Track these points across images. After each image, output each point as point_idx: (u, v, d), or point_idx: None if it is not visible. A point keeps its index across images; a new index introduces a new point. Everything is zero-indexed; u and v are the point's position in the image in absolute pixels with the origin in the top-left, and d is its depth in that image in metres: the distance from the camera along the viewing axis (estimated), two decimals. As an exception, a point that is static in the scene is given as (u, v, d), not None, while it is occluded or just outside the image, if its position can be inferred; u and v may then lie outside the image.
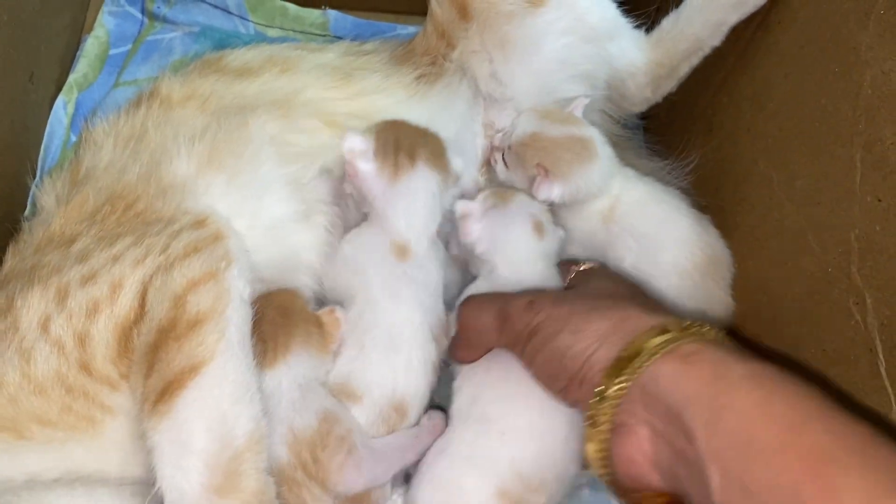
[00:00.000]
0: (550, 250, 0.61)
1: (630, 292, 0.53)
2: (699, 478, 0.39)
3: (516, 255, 0.59)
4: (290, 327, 0.54)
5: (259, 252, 0.55)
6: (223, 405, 0.45)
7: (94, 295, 0.47)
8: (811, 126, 0.55)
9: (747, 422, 0.38)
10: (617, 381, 0.43)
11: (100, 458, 0.47)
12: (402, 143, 0.59)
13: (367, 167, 0.59)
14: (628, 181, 0.65)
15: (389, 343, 0.55)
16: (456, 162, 0.62)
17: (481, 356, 0.54)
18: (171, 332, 0.46)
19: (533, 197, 0.63)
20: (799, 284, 0.56)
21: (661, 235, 0.62)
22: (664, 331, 0.44)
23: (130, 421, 0.47)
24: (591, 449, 0.45)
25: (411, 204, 0.59)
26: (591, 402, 0.44)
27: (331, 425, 0.51)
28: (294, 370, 0.53)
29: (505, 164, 0.66)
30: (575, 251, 0.64)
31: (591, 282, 0.55)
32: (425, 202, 0.59)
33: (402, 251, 0.58)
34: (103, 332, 0.47)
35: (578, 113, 0.66)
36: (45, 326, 0.47)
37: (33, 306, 0.47)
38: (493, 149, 0.68)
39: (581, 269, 0.58)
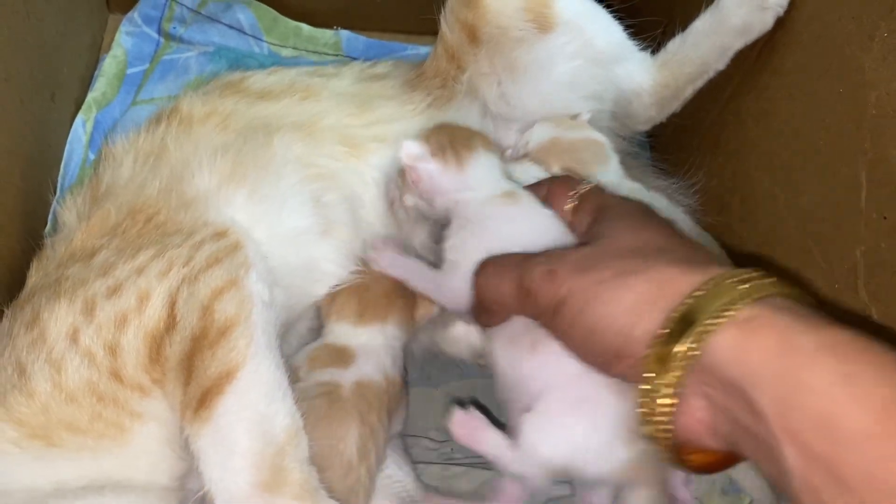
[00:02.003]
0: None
1: (659, 237, 0.46)
2: (770, 454, 0.35)
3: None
4: (390, 306, 0.61)
5: (277, 259, 0.56)
6: (260, 405, 0.47)
7: (121, 306, 0.49)
8: (816, 145, 0.56)
9: (829, 402, 0.33)
10: (668, 367, 0.39)
11: (128, 465, 0.48)
12: (456, 138, 0.60)
13: (431, 167, 0.59)
14: (636, 195, 0.67)
15: None
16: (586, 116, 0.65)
17: (504, 321, 0.51)
18: (203, 341, 0.48)
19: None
20: (806, 300, 0.57)
21: None
22: (713, 293, 0.38)
23: (159, 427, 0.49)
24: (647, 430, 0.41)
25: (488, 173, 0.59)
26: (641, 388, 0.40)
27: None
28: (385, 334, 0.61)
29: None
30: None
31: (611, 230, 0.47)
32: (500, 171, 0.60)
33: (509, 195, 0.57)
34: (133, 342, 0.48)
35: (585, 117, 0.68)
36: (74, 338, 0.48)
37: (60, 318, 0.49)
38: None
39: (583, 192, 0.53)
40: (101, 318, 0.48)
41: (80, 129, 0.77)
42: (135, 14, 0.86)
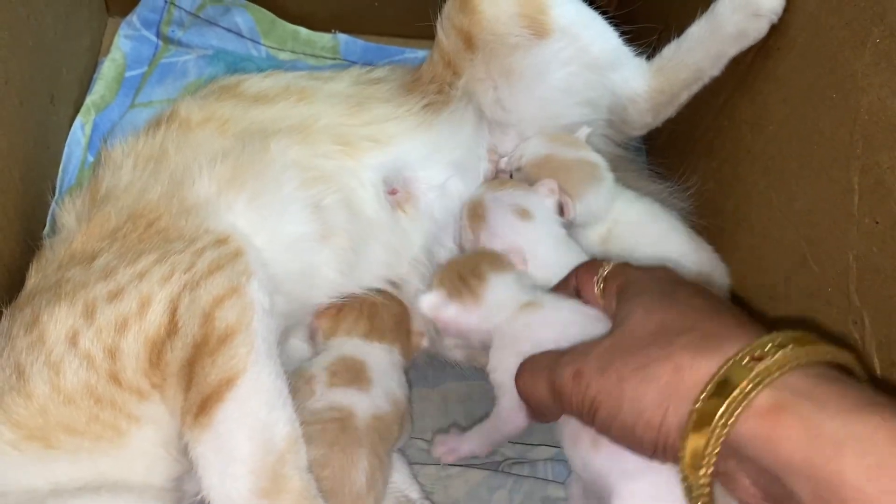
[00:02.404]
0: (555, 231, 0.63)
1: (676, 315, 0.44)
2: None
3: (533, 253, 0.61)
4: (397, 332, 0.64)
5: (278, 266, 0.57)
6: (261, 413, 0.48)
7: (122, 311, 0.49)
8: (809, 149, 0.57)
9: (868, 499, 0.33)
10: (699, 464, 0.39)
11: (124, 467, 0.48)
12: (464, 272, 0.60)
13: (451, 311, 0.59)
14: (626, 203, 0.68)
15: None
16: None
17: (558, 417, 0.50)
18: (204, 348, 0.48)
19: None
20: (798, 303, 0.57)
21: (656, 254, 0.64)
22: (727, 383, 0.38)
23: (156, 430, 0.49)
24: None
25: (504, 294, 0.59)
26: (681, 486, 0.40)
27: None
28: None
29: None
30: None
31: (631, 313, 0.46)
32: (517, 286, 0.59)
33: (531, 305, 0.57)
34: (133, 346, 0.48)
35: (583, 140, 0.68)
36: (73, 340, 0.48)
37: (60, 321, 0.49)
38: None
39: (605, 274, 0.52)
40: (101, 321, 0.49)
41: (79, 131, 0.77)
42: (133, 17, 0.87)
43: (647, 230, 0.66)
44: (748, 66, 0.65)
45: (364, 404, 0.58)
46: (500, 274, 0.60)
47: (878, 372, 0.49)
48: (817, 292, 0.55)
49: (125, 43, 0.86)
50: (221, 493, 0.46)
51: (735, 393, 0.37)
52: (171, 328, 0.49)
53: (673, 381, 0.40)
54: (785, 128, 0.60)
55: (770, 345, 0.39)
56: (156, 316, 0.49)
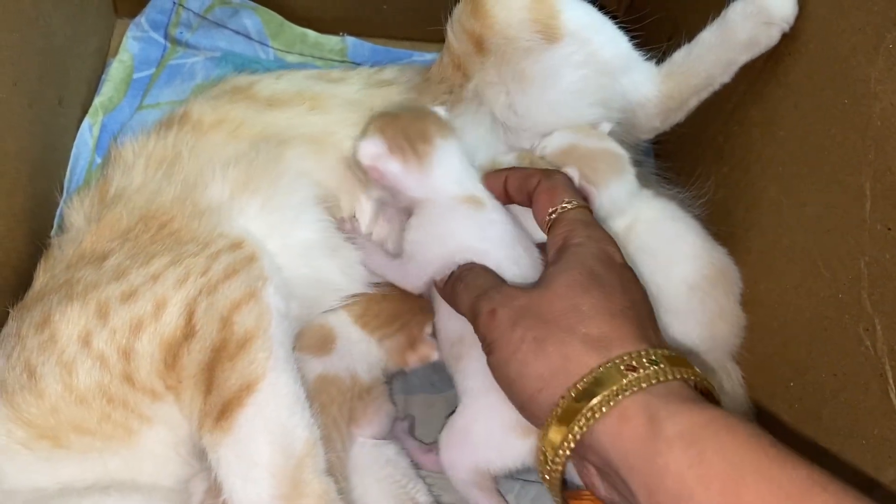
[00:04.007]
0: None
1: (592, 302, 0.47)
2: None
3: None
4: (387, 329, 0.64)
5: (290, 271, 0.57)
6: (280, 418, 0.48)
7: (137, 312, 0.49)
8: (821, 155, 0.56)
9: (684, 485, 0.38)
10: (560, 445, 0.43)
11: (134, 467, 0.49)
12: (409, 131, 0.60)
13: (392, 167, 0.59)
14: (646, 201, 0.68)
15: None
16: (442, 112, 0.64)
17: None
18: (223, 352, 0.48)
19: None
20: (809, 309, 0.57)
21: (672, 251, 0.64)
22: (604, 379, 0.42)
23: (167, 431, 0.49)
24: (541, 477, 0.46)
25: (452, 173, 0.59)
26: (539, 450, 0.45)
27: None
28: None
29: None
30: None
31: (557, 278, 0.49)
32: (462, 164, 0.60)
33: (473, 200, 0.58)
34: (148, 347, 0.48)
35: (605, 128, 0.68)
36: (86, 341, 0.48)
37: (72, 321, 0.49)
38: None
39: (556, 216, 0.54)
40: (115, 322, 0.49)
41: (87, 133, 0.77)
42: (142, 19, 0.87)
43: (665, 227, 0.66)
44: (759, 71, 0.65)
45: (313, 366, 0.58)
46: (448, 142, 0.60)
47: (890, 380, 0.49)
48: (828, 298, 0.54)
49: (133, 44, 0.86)
50: (243, 498, 0.47)
51: (599, 399, 0.42)
52: (188, 331, 0.49)
53: (559, 365, 0.44)
54: (796, 133, 0.60)
55: (644, 359, 0.43)
56: (171, 318, 0.49)
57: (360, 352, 0.63)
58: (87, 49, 0.81)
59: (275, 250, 0.57)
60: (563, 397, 0.43)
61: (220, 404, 0.48)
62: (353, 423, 0.60)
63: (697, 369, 0.45)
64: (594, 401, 0.42)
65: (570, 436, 0.42)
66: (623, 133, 0.73)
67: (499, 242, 0.57)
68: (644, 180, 0.73)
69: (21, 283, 0.59)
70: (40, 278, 0.56)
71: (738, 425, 0.39)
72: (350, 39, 0.89)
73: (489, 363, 0.49)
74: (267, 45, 0.88)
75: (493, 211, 0.58)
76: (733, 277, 0.65)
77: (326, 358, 0.60)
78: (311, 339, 0.60)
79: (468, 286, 0.53)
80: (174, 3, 0.88)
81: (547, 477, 0.45)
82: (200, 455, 0.51)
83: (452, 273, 0.55)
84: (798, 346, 0.58)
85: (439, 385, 0.70)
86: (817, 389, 0.55)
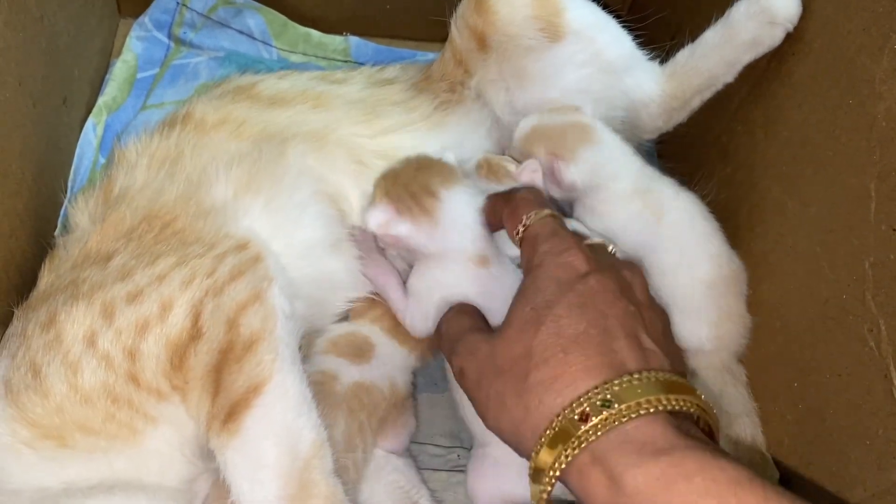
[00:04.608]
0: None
1: (545, 340, 0.45)
2: None
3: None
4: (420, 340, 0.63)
5: (295, 271, 0.57)
6: (287, 419, 0.48)
7: (143, 313, 0.49)
8: (825, 155, 0.56)
9: None
10: (535, 496, 0.43)
11: (138, 467, 0.49)
12: (412, 187, 0.59)
13: (402, 229, 0.59)
14: (671, 190, 0.67)
15: None
16: (450, 157, 0.63)
17: None
18: (230, 354, 0.49)
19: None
20: (813, 310, 0.57)
21: (700, 250, 0.64)
22: (559, 435, 0.42)
23: (172, 431, 0.50)
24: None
25: (461, 226, 0.59)
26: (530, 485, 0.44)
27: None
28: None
29: None
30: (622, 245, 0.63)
31: (511, 323, 0.48)
32: (471, 216, 0.59)
33: (482, 260, 0.58)
34: (154, 348, 0.49)
35: (587, 111, 0.67)
36: (91, 341, 0.48)
37: (78, 321, 0.49)
38: None
39: (528, 223, 0.52)
40: (120, 322, 0.49)
41: (91, 132, 0.77)
42: (145, 19, 0.87)
43: (698, 225, 0.65)
44: (762, 70, 0.65)
45: (351, 372, 0.58)
46: (454, 191, 0.59)
47: (894, 380, 0.49)
48: (832, 299, 0.54)
49: (137, 44, 0.86)
50: (251, 499, 0.47)
51: (555, 455, 0.41)
52: (195, 333, 0.49)
53: (522, 418, 0.43)
54: (799, 133, 0.60)
55: (596, 402, 0.41)
56: (178, 319, 0.49)
57: (399, 361, 0.63)
58: (91, 49, 0.81)
59: (279, 250, 0.57)
60: (533, 452, 0.43)
61: (227, 406, 0.48)
62: (381, 434, 0.60)
63: (676, 391, 0.42)
64: (552, 457, 0.41)
65: (541, 490, 0.42)
66: (626, 133, 0.73)
67: (501, 297, 0.54)
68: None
69: (26, 283, 0.59)
70: (45, 278, 0.56)
71: (697, 472, 0.38)
72: (353, 39, 0.89)
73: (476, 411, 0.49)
74: (270, 45, 0.88)
75: (497, 265, 0.58)
76: (744, 279, 0.65)
77: (365, 366, 0.60)
78: (347, 347, 0.61)
79: (443, 337, 0.54)
80: (178, 2, 0.88)
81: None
82: (205, 455, 0.51)
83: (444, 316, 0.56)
84: (802, 347, 0.58)
85: (442, 385, 0.70)
86: (821, 390, 0.55)
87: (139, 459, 0.49)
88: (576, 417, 0.41)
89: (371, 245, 0.62)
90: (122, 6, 0.88)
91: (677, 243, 0.63)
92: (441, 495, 0.63)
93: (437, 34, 0.71)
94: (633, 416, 0.41)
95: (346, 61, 0.89)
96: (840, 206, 0.54)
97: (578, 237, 0.52)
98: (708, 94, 0.68)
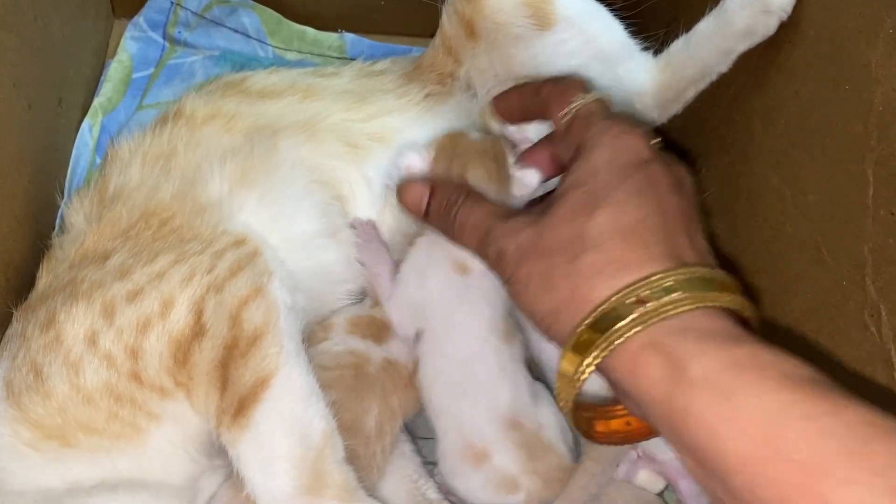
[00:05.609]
0: None
1: (601, 223, 0.43)
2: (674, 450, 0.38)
3: None
4: None
5: (294, 264, 0.57)
6: (297, 410, 0.49)
7: (144, 311, 0.49)
8: (822, 142, 0.56)
9: (711, 434, 0.35)
10: (570, 377, 0.41)
11: (142, 465, 0.49)
12: (456, 159, 0.59)
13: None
14: None
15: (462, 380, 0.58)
16: (520, 172, 0.61)
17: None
18: (234, 350, 0.49)
19: None
20: (813, 297, 0.57)
21: None
22: (609, 316, 0.40)
23: (175, 428, 0.50)
24: (561, 404, 0.45)
25: None
26: (558, 374, 0.43)
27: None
28: None
29: None
30: None
31: (563, 202, 0.45)
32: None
33: (462, 268, 0.59)
34: (157, 346, 0.49)
35: None
36: (92, 340, 0.49)
37: (78, 321, 0.49)
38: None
39: (578, 108, 0.50)
40: (121, 321, 0.49)
41: (87, 133, 0.77)
42: (140, 19, 0.87)
43: None
44: (758, 58, 0.64)
45: (378, 351, 0.59)
46: (483, 185, 0.58)
47: (896, 365, 0.49)
48: (832, 286, 0.54)
49: (132, 45, 0.86)
50: (265, 492, 0.47)
51: (610, 333, 0.39)
52: (198, 329, 0.49)
53: (568, 298, 0.42)
54: (797, 120, 0.60)
55: (659, 287, 0.39)
56: (180, 316, 0.49)
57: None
58: (86, 50, 0.81)
59: (276, 243, 0.57)
60: (576, 328, 0.41)
61: (236, 401, 0.48)
62: (406, 415, 0.61)
63: (733, 293, 0.41)
64: (601, 338, 0.39)
65: (582, 368, 0.40)
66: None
67: (468, 308, 0.58)
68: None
69: (24, 285, 0.59)
70: (43, 279, 0.56)
71: (773, 363, 0.36)
72: (349, 36, 0.89)
73: (508, 290, 0.48)
74: (265, 43, 0.88)
75: (479, 276, 0.59)
76: None
77: (386, 346, 0.61)
78: (369, 328, 0.61)
79: (465, 229, 0.51)
80: (172, 2, 0.88)
81: (561, 405, 0.44)
82: (209, 452, 0.51)
83: (448, 200, 0.53)
84: (803, 334, 0.58)
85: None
86: (823, 377, 0.55)
87: (143, 458, 0.49)
88: (634, 300, 0.39)
89: (371, 233, 0.62)
90: (117, 7, 0.88)
91: None
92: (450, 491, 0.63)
93: (433, 29, 0.71)
94: (699, 305, 0.39)
95: (341, 58, 0.88)
96: (838, 192, 0.54)
97: (637, 121, 0.50)
98: (702, 85, 0.68)
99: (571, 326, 0.41)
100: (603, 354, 0.39)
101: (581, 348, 0.40)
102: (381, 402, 0.57)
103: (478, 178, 0.59)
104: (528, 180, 0.60)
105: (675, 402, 0.36)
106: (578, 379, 0.41)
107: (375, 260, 0.62)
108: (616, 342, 0.39)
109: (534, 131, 0.65)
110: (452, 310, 0.59)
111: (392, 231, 0.64)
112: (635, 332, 0.39)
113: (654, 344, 0.38)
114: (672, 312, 0.39)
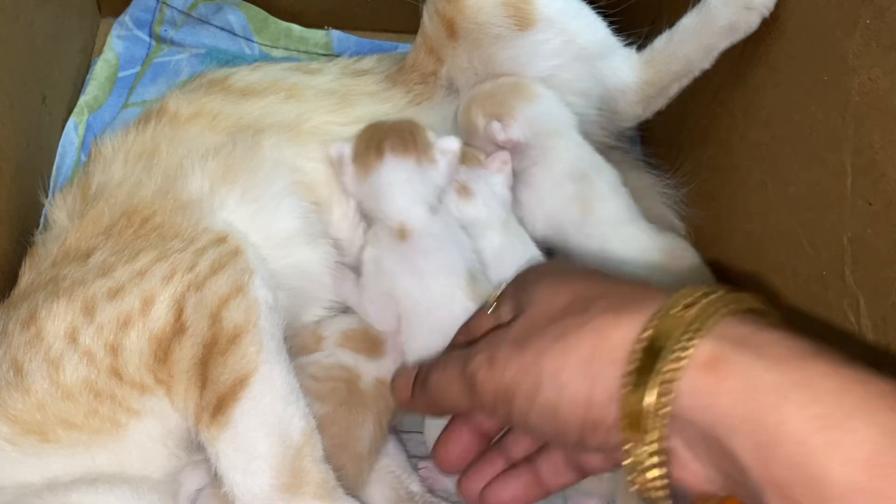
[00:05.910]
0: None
1: (586, 285, 0.41)
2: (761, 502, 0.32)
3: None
4: None
5: (275, 262, 0.57)
6: (276, 409, 0.49)
7: (124, 309, 0.49)
8: (803, 133, 0.56)
9: (809, 455, 0.30)
10: (645, 427, 0.34)
11: (121, 460, 0.49)
12: (372, 140, 0.61)
13: (347, 170, 0.62)
14: (601, 167, 0.66)
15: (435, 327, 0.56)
16: (437, 140, 0.62)
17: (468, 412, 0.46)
18: (214, 348, 0.49)
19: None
20: (795, 288, 0.57)
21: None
22: (663, 330, 0.34)
23: (155, 423, 0.50)
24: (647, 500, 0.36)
25: (388, 191, 0.60)
26: (625, 464, 0.36)
27: None
28: None
29: None
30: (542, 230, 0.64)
31: (536, 294, 0.42)
32: (402, 187, 0.60)
33: (401, 233, 0.59)
34: (137, 343, 0.49)
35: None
36: (72, 337, 0.49)
37: (59, 317, 0.49)
38: None
39: (497, 295, 0.47)
40: (101, 318, 0.49)
41: (73, 132, 0.77)
42: (126, 17, 0.87)
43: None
44: (740, 51, 0.65)
45: (370, 368, 0.59)
46: (399, 157, 0.60)
47: (874, 353, 0.49)
48: (813, 276, 0.55)
49: (118, 43, 0.86)
50: (244, 490, 0.47)
51: (671, 343, 0.33)
52: (179, 327, 0.49)
53: (596, 345, 0.36)
54: (777, 113, 0.60)
55: (697, 293, 0.35)
56: (161, 314, 0.49)
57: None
58: (72, 48, 0.81)
59: (257, 242, 0.57)
60: (627, 372, 0.34)
61: (215, 399, 0.48)
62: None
63: (753, 296, 0.37)
64: (665, 351, 0.33)
65: (659, 395, 0.33)
66: (605, 121, 0.73)
67: (439, 271, 0.57)
68: (628, 167, 0.73)
69: (7, 282, 0.59)
70: (26, 276, 0.56)
71: (861, 376, 0.31)
72: (335, 33, 0.89)
73: (517, 420, 0.40)
74: (252, 41, 0.88)
75: (423, 238, 0.58)
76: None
77: (381, 361, 0.60)
78: (362, 342, 0.61)
79: (446, 367, 0.44)
80: (158, 0, 0.88)
81: (652, 490, 0.35)
82: (189, 447, 0.51)
83: (416, 375, 0.47)
84: (785, 325, 0.58)
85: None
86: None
87: (122, 453, 0.49)
88: (681, 307, 0.35)
89: (346, 273, 0.63)
90: (103, 6, 0.88)
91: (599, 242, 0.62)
92: (432, 484, 0.63)
93: (418, 26, 0.71)
94: (743, 306, 0.35)
95: (328, 55, 0.88)
96: (818, 183, 0.55)
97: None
98: (686, 81, 0.68)
99: (614, 374, 0.35)
100: (676, 369, 0.33)
101: (643, 381, 0.34)
102: (375, 422, 0.57)
103: (394, 146, 0.60)
104: (446, 146, 0.62)
105: (763, 420, 0.31)
106: (659, 412, 0.34)
107: (342, 280, 0.62)
108: (684, 351, 0.33)
109: (517, 130, 0.65)
110: (411, 274, 0.58)
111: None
112: (700, 336, 0.34)
113: (720, 353, 0.33)
114: (726, 311, 0.35)
